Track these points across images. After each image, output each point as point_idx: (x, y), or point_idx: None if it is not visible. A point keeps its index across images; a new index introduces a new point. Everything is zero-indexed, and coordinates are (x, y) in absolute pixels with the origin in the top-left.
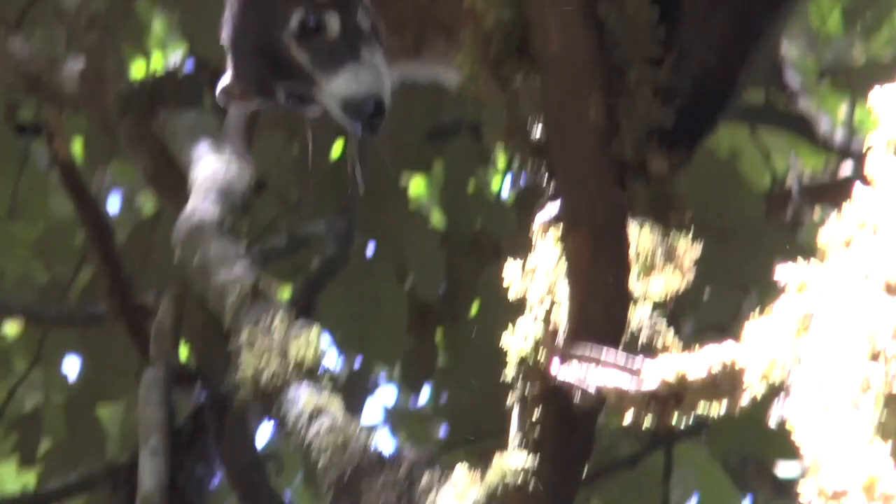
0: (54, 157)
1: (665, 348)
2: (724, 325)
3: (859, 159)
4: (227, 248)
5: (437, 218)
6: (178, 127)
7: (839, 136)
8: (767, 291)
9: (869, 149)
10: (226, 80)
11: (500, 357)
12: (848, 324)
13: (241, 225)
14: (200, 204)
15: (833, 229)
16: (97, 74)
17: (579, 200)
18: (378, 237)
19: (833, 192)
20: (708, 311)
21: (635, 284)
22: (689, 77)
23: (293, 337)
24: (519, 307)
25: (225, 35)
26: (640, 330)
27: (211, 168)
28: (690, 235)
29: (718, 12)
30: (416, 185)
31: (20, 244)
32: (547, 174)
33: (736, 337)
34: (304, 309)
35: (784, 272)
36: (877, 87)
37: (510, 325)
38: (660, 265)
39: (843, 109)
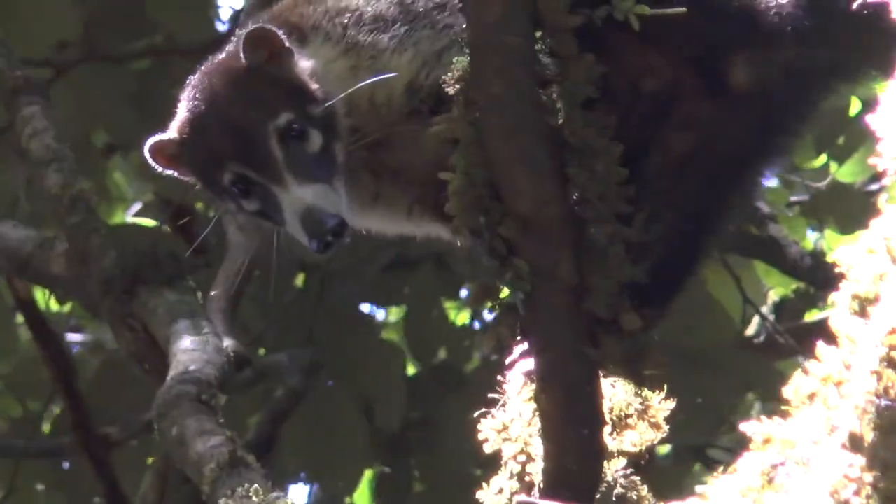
0: (15, 296)
1: (639, 501)
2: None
3: (826, 287)
4: (204, 421)
5: (401, 347)
6: (159, 306)
7: (808, 262)
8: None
9: (832, 304)
10: (164, 135)
11: (470, 483)
12: (812, 478)
13: (218, 399)
14: (179, 379)
15: (798, 384)
16: (81, 256)
17: (552, 358)
18: (341, 368)
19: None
20: (684, 433)
21: (609, 439)
22: (660, 237)
23: None
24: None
25: (194, 94)
26: (614, 484)
27: (189, 345)
28: (664, 390)
29: (689, 180)
30: (380, 315)
31: None
32: (519, 330)
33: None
34: (267, 439)
35: (749, 427)
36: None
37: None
38: (634, 420)
39: (811, 235)
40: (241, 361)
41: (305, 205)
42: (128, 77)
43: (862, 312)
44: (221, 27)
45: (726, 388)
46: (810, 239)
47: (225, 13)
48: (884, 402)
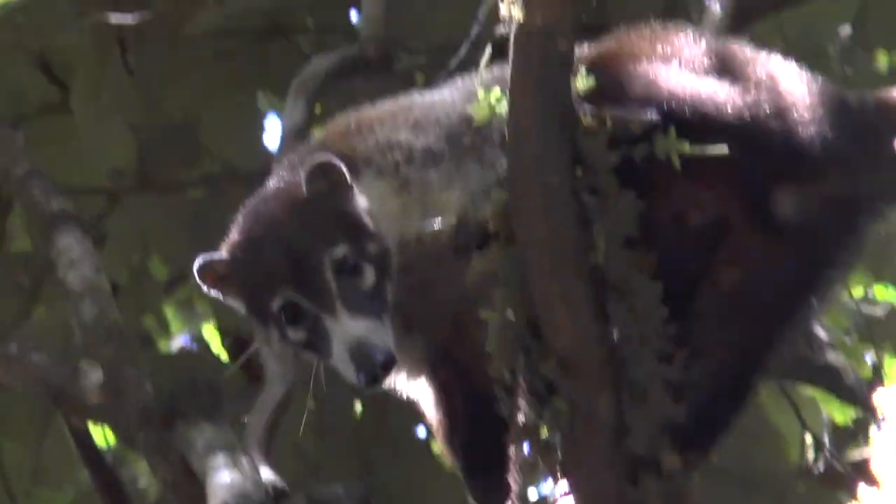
0: (70, 428)
1: None
2: None
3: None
4: None
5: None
6: (197, 438)
7: (866, 389)
8: None
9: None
10: (215, 255)
11: None
12: None
13: None
14: None
15: None
16: (116, 387)
17: (592, 497)
18: (398, 495)
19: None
20: None
21: None
22: (705, 377)
23: None
24: None
25: (250, 218)
26: None
27: (226, 479)
28: None
29: (737, 315)
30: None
31: None
32: (560, 470)
33: None
34: None
35: None
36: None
37: None
38: None
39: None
40: (279, 495)
41: (356, 337)
42: (183, 205)
43: None
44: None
45: None
46: (869, 366)
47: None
48: None
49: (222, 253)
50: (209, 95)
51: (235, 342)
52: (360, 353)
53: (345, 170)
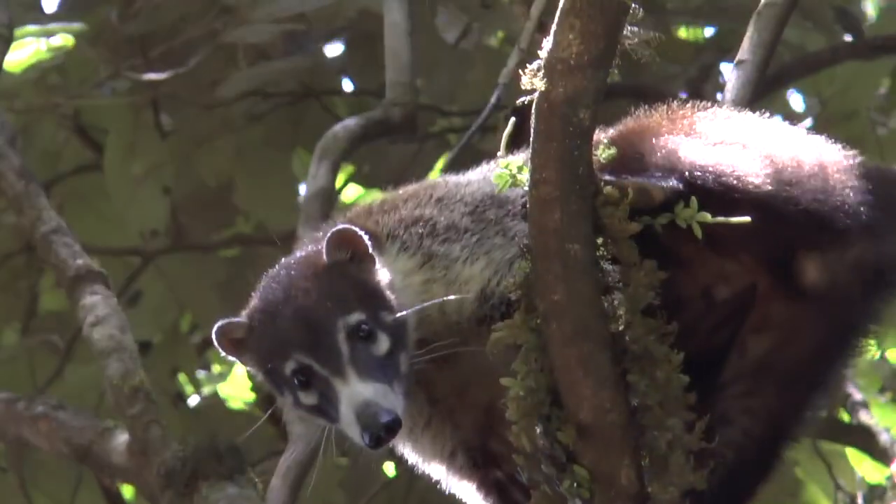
0: (101, 485)
1: None
2: None
3: None
4: None
5: None
6: (220, 500)
7: None
8: None
9: None
10: (233, 320)
11: None
12: None
13: None
14: None
15: None
16: (141, 448)
17: None
18: None
19: None
20: None
21: None
22: (731, 446)
23: None
24: None
25: (270, 284)
26: None
27: None
28: None
29: (765, 384)
30: None
31: None
32: None
33: None
34: None
35: None
36: None
37: None
38: None
39: None
40: None
41: (363, 399)
42: (216, 265)
43: None
44: None
45: None
46: None
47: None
48: None
49: (241, 318)
50: (243, 157)
51: (268, 397)
52: (366, 415)
53: (366, 239)
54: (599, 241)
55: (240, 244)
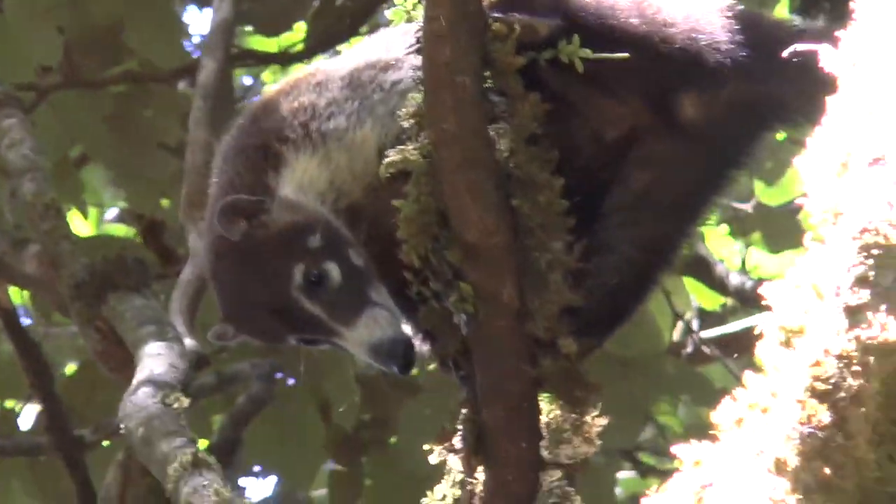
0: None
1: None
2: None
3: (751, 302)
4: (169, 422)
5: None
6: (126, 310)
7: (734, 279)
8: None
9: (760, 335)
10: (218, 329)
11: (419, 482)
12: (739, 500)
13: (182, 401)
14: (144, 381)
15: (726, 410)
16: (52, 259)
17: (493, 376)
18: (301, 374)
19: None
20: (612, 438)
21: (546, 452)
22: (610, 271)
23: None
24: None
25: (220, 295)
26: (550, 494)
27: (154, 349)
28: (597, 408)
29: (644, 214)
30: None
31: None
32: (464, 349)
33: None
34: (231, 440)
35: (680, 450)
36: (766, 283)
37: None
38: (569, 435)
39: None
40: (201, 363)
41: (367, 344)
42: (106, 100)
43: (787, 344)
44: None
45: (655, 392)
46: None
47: (196, 39)
48: (807, 430)
49: (223, 318)
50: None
51: (148, 225)
52: (381, 355)
53: (247, 199)
54: (488, 74)
55: (127, 80)
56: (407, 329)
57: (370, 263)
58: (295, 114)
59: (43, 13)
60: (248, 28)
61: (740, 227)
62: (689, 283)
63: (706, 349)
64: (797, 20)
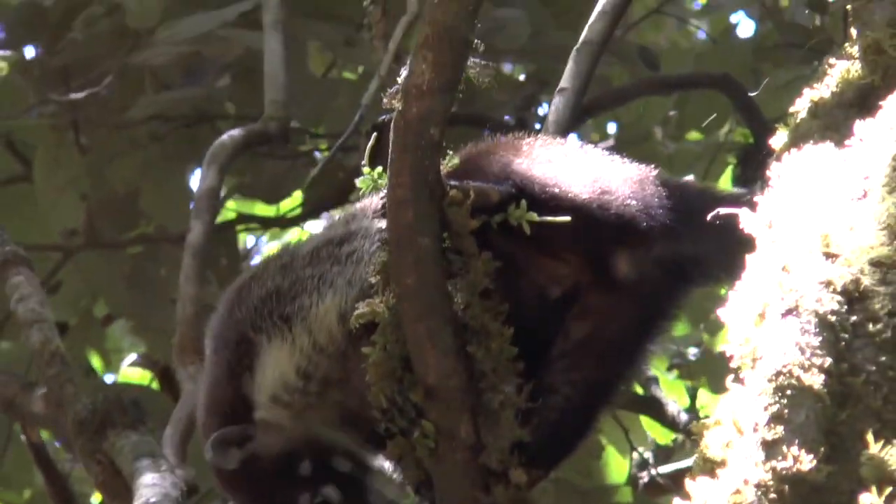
0: (28, 440)
1: None
2: None
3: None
4: None
5: None
6: (124, 445)
7: (684, 417)
8: None
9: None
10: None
11: None
12: None
13: None
14: None
15: None
16: (57, 400)
17: (452, 501)
18: None
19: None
20: None
21: None
22: (555, 411)
23: None
24: None
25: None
26: None
27: (150, 479)
28: None
29: (585, 361)
30: None
31: None
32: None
33: None
34: None
35: None
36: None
37: None
38: None
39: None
40: (191, 490)
41: None
42: (123, 260)
43: (712, 474)
44: None
45: None
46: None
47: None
48: None
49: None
50: (147, 170)
51: (162, 370)
52: None
53: (236, 431)
54: (445, 235)
55: (143, 242)
56: None
57: (354, 454)
58: (264, 301)
59: (67, 182)
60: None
61: (688, 371)
62: (644, 420)
63: (661, 481)
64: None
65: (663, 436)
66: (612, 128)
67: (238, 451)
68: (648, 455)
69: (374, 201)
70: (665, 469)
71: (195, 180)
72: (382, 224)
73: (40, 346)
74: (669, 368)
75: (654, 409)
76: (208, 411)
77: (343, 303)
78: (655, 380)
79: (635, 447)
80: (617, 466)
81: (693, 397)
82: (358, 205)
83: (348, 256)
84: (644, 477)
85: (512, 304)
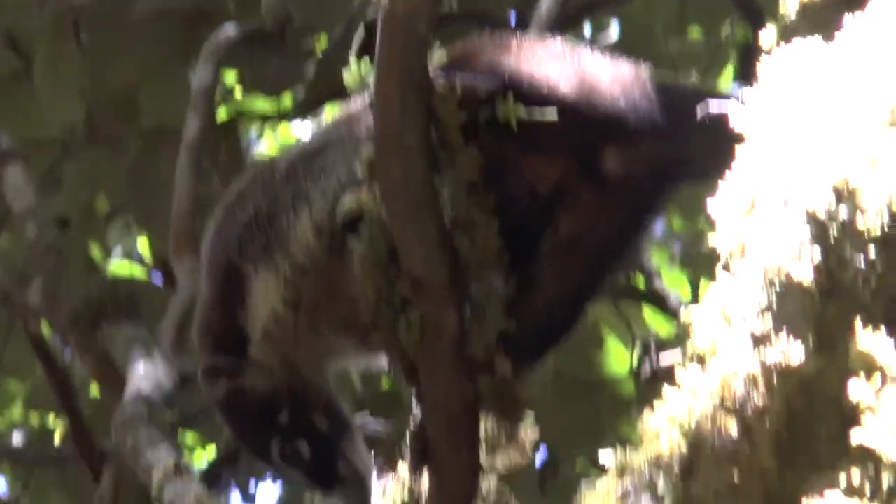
0: (28, 332)
1: None
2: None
3: None
4: (153, 434)
5: None
6: (118, 336)
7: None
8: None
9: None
10: None
11: None
12: (657, 498)
13: (165, 415)
14: (133, 399)
15: (647, 422)
16: (53, 293)
17: (438, 393)
18: None
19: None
20: (578, 448)
21: (484, 460)
22: (541, 303)
23: None
24: None
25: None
26: (487, 496)
27: (143, 369)
28: (530, 424)
29: (573, 257)
30: None
31: (13, 397)
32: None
33: None
34: (231, 459)
35: (605, 455)
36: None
37: None
38: (504, 447)
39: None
40: (185, 381)
41: None
42: (123, 155)
43: (702, 364)
44: None
45: (617, 410)
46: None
47: None
48: (717, 441)
49: None
50: (147, 68)
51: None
52: None
53: (222, 363)
54: (433, 130)
55: (143, 138)
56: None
57: (336, 414)
58: (248, 226)
59: (67, 79)
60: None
61: (689, 263)
62: (647, 312)
63: (660, 373)
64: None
65: (665, 328)
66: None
67: (226, 382)
68: (652, 346)
69: (355, 107)
70: (667, 360)
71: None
72: (358, 131)
73: (35, 239)
74: (671, 261)
75: (657, 300)
76: (203, 331)
77: (318, 215)
78: (657, 273)
79: (636, 337)
80: (618, 358)
81: (695, 289)
82: (339, 113)
83: (321, 169)
84: (647, 369)
85: (500, 202)
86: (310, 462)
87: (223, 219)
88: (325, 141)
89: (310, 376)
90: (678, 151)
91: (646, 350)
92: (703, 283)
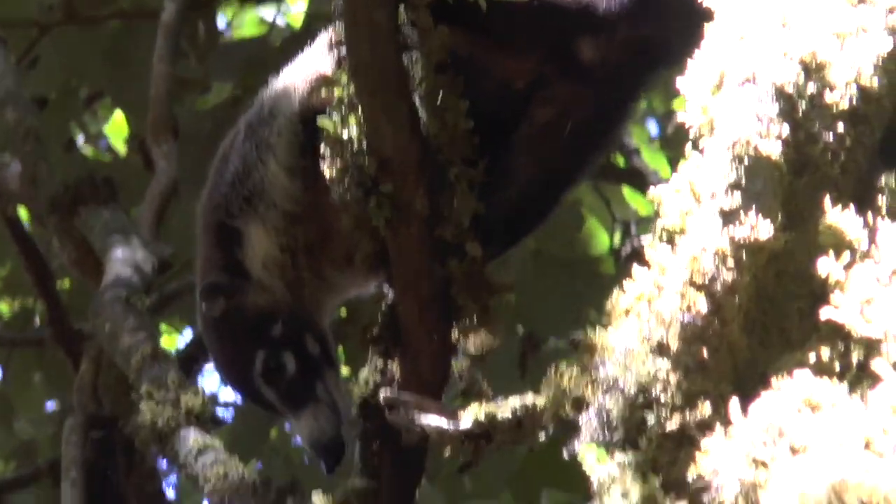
0: (3, 214)
1: (480, 394)
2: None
3: None
4: (131, 319)
5: None
6: (96, 222)
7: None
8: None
9: (650, 236)
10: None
11: None
12: (627, 375)
13: (144, 300)
14: (111, 284)
15: (617, 300)
16: (31, 178)
17: (408, 275)
18: None
19: None
20: (556, 328)
21: (456, 342)
22: (515, 188)
23: (184, 390)
24: None
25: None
26: (459, 378)
27: (120, 254)
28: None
29: (550, 145)
30: None
31: None
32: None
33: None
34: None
35: (577, 336)
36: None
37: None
38: (475, 328)
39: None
40: (164, 266)
41: (308, 438)
42: (101, 36)
43: (671, 242)
44: None
45: (597, 289)
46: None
47: None
48: (687, 318)
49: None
50: None
51: (141, 142)
52: (317, 451)
53: (223, 281)
54: (402, 10)
55: (121, 18)
56: (344, 421)
57: (327, 344)
58: (231, 185)
59: None
60: None
61: (670, 143)
62: (627, 192)
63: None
64: None
65: (645, 207)
66: None
67: (224, 300)
68: (631, 226)
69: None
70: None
71: None
72: (307, 74)
73: (14, 123)
74: (650, 140)
75: (637, 180)
76: (204, 268)
77: (282, 156)
78: (637, 151)
79: (617, 217)
80: (599, 237)
81: (675, 169)
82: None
83: (271, 112)
84: (627, 248)
85: (474, 97)
86: (290, 380)
87: (213, 180)
88: (273, 95)
89: (311, 308)
90: (654, 35)
91: (625, 229)
92: (682, 162)
